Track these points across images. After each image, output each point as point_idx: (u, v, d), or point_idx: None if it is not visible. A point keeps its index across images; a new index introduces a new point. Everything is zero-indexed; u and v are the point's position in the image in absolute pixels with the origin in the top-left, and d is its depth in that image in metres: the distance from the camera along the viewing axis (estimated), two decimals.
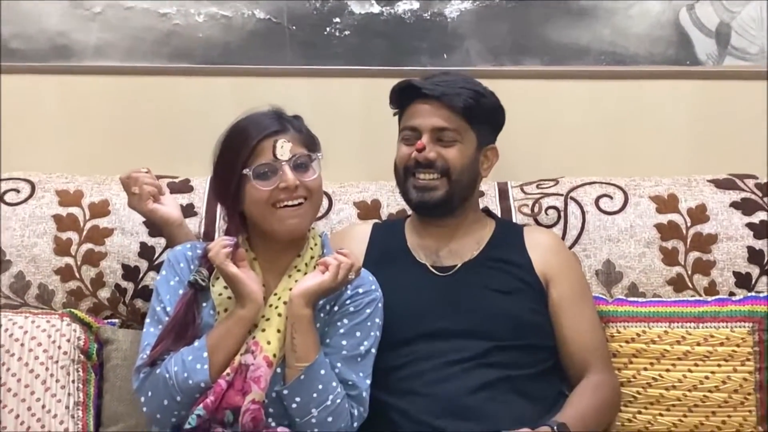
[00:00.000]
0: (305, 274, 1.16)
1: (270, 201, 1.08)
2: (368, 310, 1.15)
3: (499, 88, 1.26)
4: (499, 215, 1.36)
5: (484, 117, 1.23)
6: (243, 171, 1.08)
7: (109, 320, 1.35)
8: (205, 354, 1.07)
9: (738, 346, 1.26)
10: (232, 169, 1.11)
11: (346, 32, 1.54)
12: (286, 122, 1.16)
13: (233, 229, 1.15)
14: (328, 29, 1.53)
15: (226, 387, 1.05)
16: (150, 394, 1.08)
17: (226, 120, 1.14)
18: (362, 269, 1.16)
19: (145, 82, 1.59)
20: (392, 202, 1.42)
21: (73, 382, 1.25)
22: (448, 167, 1.19)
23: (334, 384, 1.08)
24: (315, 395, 1.07)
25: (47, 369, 1.24)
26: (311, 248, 1.18)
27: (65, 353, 1.25)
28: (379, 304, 1.17)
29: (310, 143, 1.15)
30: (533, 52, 1.54)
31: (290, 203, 1.09)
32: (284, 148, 1.10)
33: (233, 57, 1.56)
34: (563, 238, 1.38)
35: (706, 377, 1.25)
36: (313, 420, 1.07)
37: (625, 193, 1.43)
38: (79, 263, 1.36)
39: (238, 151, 1.10)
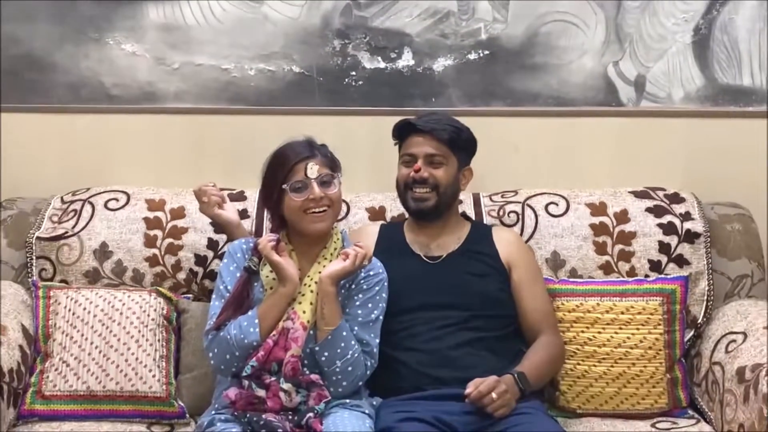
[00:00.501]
0: (330, 261, 1.32)
1: (302, 208, 1.24)
2: (377, 288, 1.32)
3: (473, 124, 1.44)
4: (474, 218, 1.54)
5: (463, 146, 1.42)
6: (282, 186, 1.25)
7: (185, 295, 1.53)
8: (257, 320, 1.23)
9: (651, 314, 1.44)
10: (274, 184, 1.28)
11: (360, 82, 1.72)
12: (315, 149, 1.32)
13: (276, 228, 1.34)
14: (346, 80, 1.72)
15: (272, 345, 1.22)
16: (216, 351, 1.25)
17: (271, 147, 1.33)
18: (373, 257, 1.33)
19: (211, 119, 1.77)
20: (394, 208, 1.58)
21: (159, 341, 1.44)
22: (437, 184, 1.37)
23: (353, 342, 1.24)
24: (339, 351, 1.23)
25: (139, 331, 1.43)
26: (334, 242, 1.34)
27: (153, 319, 1.45)
28: (385, 284, 1.33)
29: (333, 165, 1.31)
30: (499, 97, 1.72)
31: (317, 210, 1.25)
32: (313, 169, 1.26)
33: (276, 100, 1.74)
34: (521, 234, 1.56)
35: (628, 338, 1.43)
36: (337, 369, 1.24)
37: (567, 201, 1.61)
38: (162, 253, 1.54)
39: (278, 170, 1.27)
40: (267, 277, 1.29)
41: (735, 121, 1.73)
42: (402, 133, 1.44)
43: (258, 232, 1.42)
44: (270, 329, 1.25)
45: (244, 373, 1.22)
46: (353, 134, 1.70)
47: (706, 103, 1.74)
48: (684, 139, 1.74)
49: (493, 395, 1.19)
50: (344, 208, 1.55)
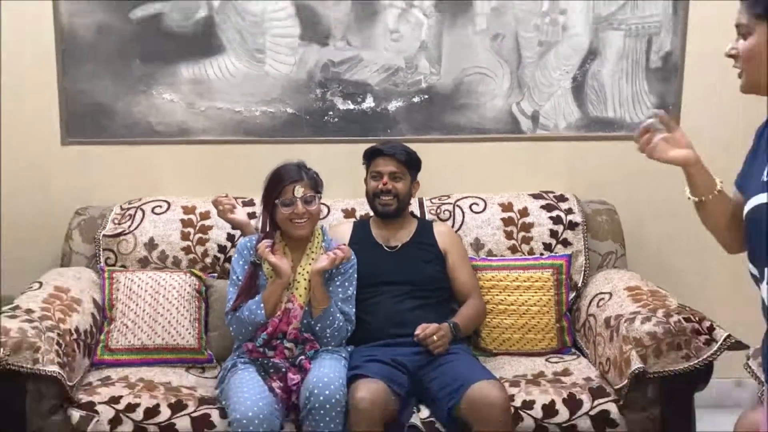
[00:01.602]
0: (315, 253, 1.43)
1: (288, 218, 1.34)
2: (351, 270, 1.44)
3: (418, 148, 1.60)
4: (419, 216, 1.66)
5: (414, 165, 1.54)
6: (275, 201, 1.34)
7: (211, 274, 1.62)
8: (262, 304, 1.33)
9: (545, 282, 1.61)
10: (269, 198, 1.37)
11: (336, 119, 1.84)
12: (303, 172, 1.39)
13: (272, 230, 1.41)
14: (326, 117, 1.84)
15: (278, 322, 1.35)
16: (234, 327, 1.36)
17: (271, 167, 1.46)
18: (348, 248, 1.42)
19: (228, 148, 1.87)
20: (362, 209, 1.70)
21: (192, 307, 1.57)
22: (398, 194, 1.48)
23: (338, 315, 1.37)
24: (328, 322, 1.36)
25: (178, 301, 1.55)
26: (317, 237, 1.45)
27: (188, 292, 1.57)
28: (355, 266, 1.46)
29: (316, 186, 1.39)
30: (436, 129, 1.85)
31: (299, 221, 1.36)
32: (299, 191, 1.34)
33: (276, 133, 1.84)
34: (453, 226, 1.68)
35: (528, 298, 1.59)
36: (327, 334, 1.37)
37: (485, 201, 1.75)
38: (194, 244, 1.66)
39: (273, 188, 1.37)
40: (267, 269, 1.37)
41: (602, 143, 1.87)
42: (370, 156, 1.54)
43: (263, 229, 1.47)
44: (273, 309, 1.34)
45: (257, 343, 1.35)
46: (332, 157, 1.79)
47: (582, 130, 1.87)
48: (567, 156, 1.88)
49: (434, 337, 1.31)
50: (325, 210, 1.66)
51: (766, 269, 0.76)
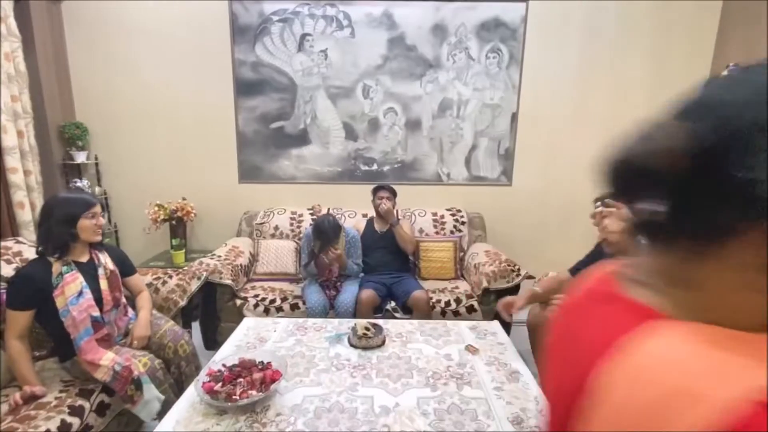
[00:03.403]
0: (341, 244, 2.16)
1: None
2: (354, 240, 2.26)
3: (398, 188, 2.48)
4: (396, 217, 2.65)
5: (394, 194, 2.40)
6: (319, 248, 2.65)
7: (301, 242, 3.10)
8: (315, 269, 2.21)
9: (450, 247, 2.56)
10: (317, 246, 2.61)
11: (360, 174, 2.84)
12: (332, 232, 2.06)
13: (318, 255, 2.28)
14: (356, 172, 2.85)
15: (327, 271, 2.23)
16: (305, 273, 2.35)
17: (332, 195, 2.71)
18: (348, 228, 2.23)
19: (313, 185, 2.89)
20: (370, 214, 2.55)
21: (292, 256, 2.71)
22: (391, 210, 2.29)
23: (354, 267, 2.22)
24: (348, 269, 2.22)
25: (286, 253, 2.83)
26: (342, 238, 2.16)
27: (290, 250, 2.71)
28: (358, 237, 2.24)
29: (337, 233, 2.10)
30: (405, 179, 2.82)
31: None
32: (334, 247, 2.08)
33: (333, 180, 2.89)
34: (411, 222, 2.64)
35: (443, 255, 2.59)
36: (349, 272, 2.22)
37: (426, 211, 2.72)
38: (295, 229, 3.00)
39: (315, 238, 2.29)
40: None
41: (478, 187, 2.91)
42: (375, 190, 2.43)
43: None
44: (324, 269, 2.23)
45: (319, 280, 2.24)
46: (357, 191, 2.73)
47: (469, 180, 2.92)
48: (462, 192, 2.90)
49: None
50: (353, 213, 2.74)
51: None
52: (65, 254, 1.52)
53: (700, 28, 2.75)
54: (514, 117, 3.00)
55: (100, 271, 1.62)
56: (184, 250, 2.82)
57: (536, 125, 2.96)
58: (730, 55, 2.66)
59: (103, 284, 1.60)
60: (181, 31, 2.84)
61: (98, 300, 1.56)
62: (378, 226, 2.52)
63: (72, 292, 1.47)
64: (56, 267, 1.49)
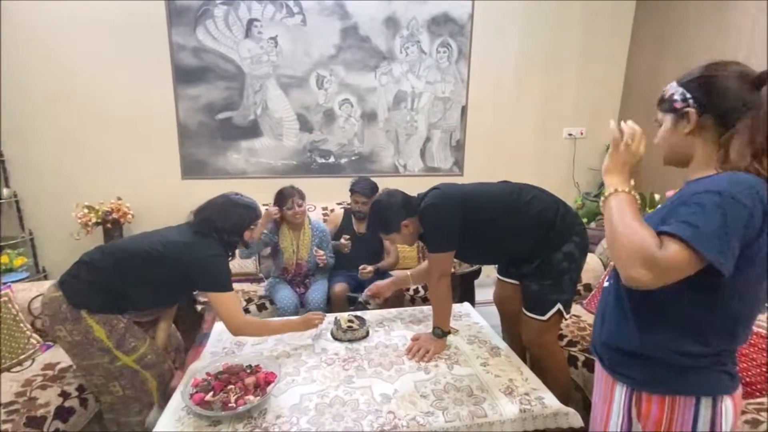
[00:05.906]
0: (306, 233, 2.12)
1: (292, 214, 2.06)
2: (323, 234, 2.31)
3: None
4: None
5: (373, 193, 2.18)
6: (283, 207, 2.07)
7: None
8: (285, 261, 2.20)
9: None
10: (280, 204, 2.10)
11: (316, 166, 2.81)
12: (295, 190, 2.07)
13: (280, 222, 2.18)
14: (312, 165, 2.82)
15: (295, 267, 2.18)
16: (272, 270, 2.34)
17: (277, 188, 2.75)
18: (316, 221, 2.30)
19: (265, 180, 2.78)
20: (330, 207, 2.62)
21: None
22: (366, 210, 1.95)
23: (330, 260, 2.23)
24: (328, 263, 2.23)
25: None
26: (306, 224, 2.19)
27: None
28: (328, 238, 2.22)
29: (302, 196, 2.09)
30: (362, 171, 2.80)
31: (296, 216, 2.05)
32: (297, 200, 2.08)
33: (287, 173, 2.76)
34: None
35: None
36: (321, 267, 2.20)
37: None
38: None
39: (282, 199, 2.11)
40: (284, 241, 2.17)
41: (431, 177, 3.00)
42: (352, 191, 2.27)
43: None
44: (289, 263, 2.15)
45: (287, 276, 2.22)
46: (316, 184, 2.74)
47: (424, 171, 3.04)
48: (416, 182, 2.58)
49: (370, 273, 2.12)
50: (312, 207, 2.65)
51: None
52: None
53: (617, 26, 3.16)
54: (464, 110, 3.16)
55: None
56: None
57: (483, 117, 3.15)
58: (644, 48, 3.12)
59: None
60: (110, 11, 2.58)
61: None
62: (357, 227, 2.49)
63: None
64: None
